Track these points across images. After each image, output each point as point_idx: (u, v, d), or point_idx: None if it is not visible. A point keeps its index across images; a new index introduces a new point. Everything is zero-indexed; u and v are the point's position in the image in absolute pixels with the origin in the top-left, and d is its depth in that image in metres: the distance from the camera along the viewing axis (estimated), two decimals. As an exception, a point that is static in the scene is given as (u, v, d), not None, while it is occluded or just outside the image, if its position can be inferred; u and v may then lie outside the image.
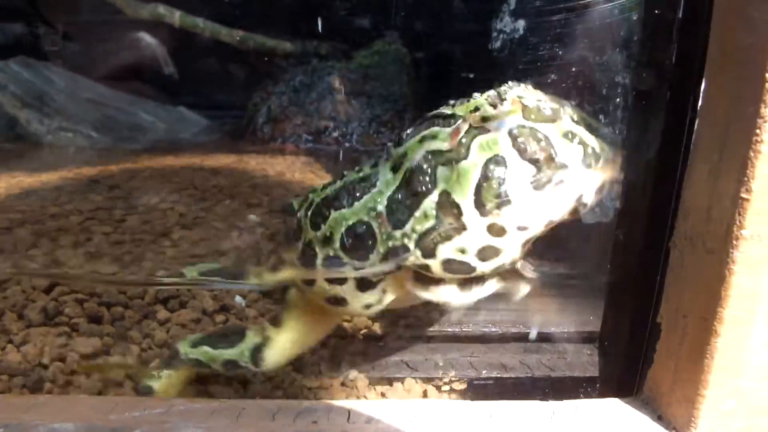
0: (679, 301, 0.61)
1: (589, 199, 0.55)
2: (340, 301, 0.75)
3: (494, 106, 0.55)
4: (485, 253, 0.56)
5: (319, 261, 0.68)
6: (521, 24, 0.72)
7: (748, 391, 0.58)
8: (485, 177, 0.52)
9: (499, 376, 0.77)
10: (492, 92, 0.57)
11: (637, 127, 0.64)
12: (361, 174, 0.64)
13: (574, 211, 0.56)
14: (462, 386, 0.97)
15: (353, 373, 1.00)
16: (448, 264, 0.58)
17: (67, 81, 2.27)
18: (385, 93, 1.94)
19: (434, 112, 0.60)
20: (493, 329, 0.85)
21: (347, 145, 1.92)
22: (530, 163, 0.52)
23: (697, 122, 0.59)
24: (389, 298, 0.69)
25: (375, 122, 1.92)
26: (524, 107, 0.54)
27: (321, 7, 2.20)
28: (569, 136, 0.53)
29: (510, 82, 0.58)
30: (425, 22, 2.08)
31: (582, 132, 0.53)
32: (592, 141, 0.53)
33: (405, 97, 1.95)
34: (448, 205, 0.54)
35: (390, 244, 0.59)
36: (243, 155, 1.83)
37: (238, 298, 1.06)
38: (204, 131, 2.22)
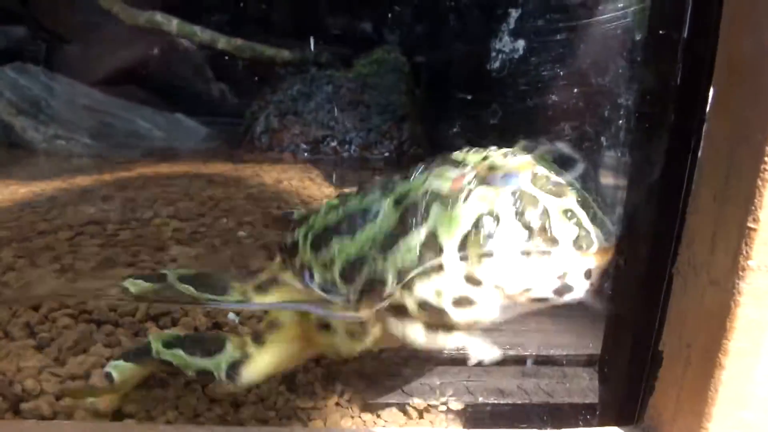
0: (682, 330, 0.59)
1: (574, 282, 0.54)
2: (327, 328, 0.75)
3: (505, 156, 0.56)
4: (460, 302, 0.56)
5: (316, 284, 0.68)
6: (520, 43, 0.71)
7: (753, 424, 0.56)
8: (476, 226, 0.53)
9: (496, 402, 0.75)
10: (508, 150, 0.58)
11: (640, 147, 0.63)
12: (363, 203, 0.64)
13: (559, 292, 0.55)
14: (459, 406, 0.95)
15: (349, 394, 0.98)
16: (423, 305, 0.58)
17: (64, 87, 2.25)
18: (384, 102, 1.93)
19: (446, 155, 0.61)
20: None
21: (345, 155, 1.91)
22: (523, 227, 0.53)
23: (702, 144, 0.57)
24: (377, 332, 0.68)
25: (373, 132, 1.91)
26: (534, 173, 0.54)
27: (320, 15, 2.20)
28: (568, 214, 0.53)
29: (524, 143, 0.59)
30: (425, 31, 2.07)
31: (581, 214, 0.53)
32: (589, 226, 0.53)
33: (404, 106, 1.94)
34: (432, 242, 0.55)
35: (375, 275, 0.59)
36: (239, 164, 1.81)
37: (231, 315, 1.04)
38: (202, 139, 2.20)
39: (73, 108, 2.24)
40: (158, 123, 2.29)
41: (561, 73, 0.65)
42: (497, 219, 0.53)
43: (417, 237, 0.56)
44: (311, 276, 0.68)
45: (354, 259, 0.61)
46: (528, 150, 0.57)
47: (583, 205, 0.54)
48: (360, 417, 0.96)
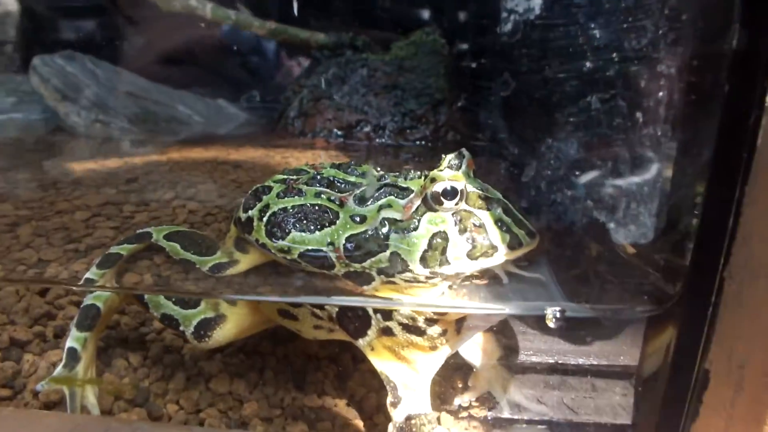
0: (733, 347, 0.49)
1: (509, 267, 0.73)
2: (291, 317, 0.82)
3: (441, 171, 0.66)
4: (430, 321, 0.71)
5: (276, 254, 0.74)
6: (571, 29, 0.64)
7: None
8: (430, 246, 0.65)
9: (510, 417, 0.66)
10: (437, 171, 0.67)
11: (687, 126, 0.52)
12: (319, 201, 0.73)
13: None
14: (482, 414, 0.88)
15: (361, 395, 0.92)
16: (404, 326, 0.73)
17: (108, 74, 2.29)
18: (420, 86, 1.84)
19: (390, 182, 0.71)
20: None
21: (379, 140, 1.84)
22: (467, 241, 0.64)
23: (763, 121, 0.46)
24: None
25: (408, 117, 1.83)
26: (466, 193, 0.65)
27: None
28: (499, 223, 0.65)
29: (449, 158, 0.68)
30: (467, 12, 1.97)
31: (509, 222, 0.65)
32: (516, 230, 0.65)
33: (441, 90, 1.85)
34: (398, 261, 0.67)
35: (350, 269, 0.70)
36: (270, 149, 1.78)
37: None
38: (241, 125, 2.20)
39: (115, 94, 2.27)
40: (198, 109, 2.30)
41: (609, 57, 0.56)
42: (446, 238, 0.65)
43: (384, 256, 0.67)
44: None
45: (312, 251, 0.71)
46: (454, 166, 0.66)
47: (508, 210, 0.66)
48: (372, 420, 0.89)
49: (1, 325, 0.87)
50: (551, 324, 0.60)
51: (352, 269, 0.70)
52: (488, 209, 0.65)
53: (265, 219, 0.74)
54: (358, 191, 0.73)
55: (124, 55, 2.26)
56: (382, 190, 0.70)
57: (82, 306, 0.82)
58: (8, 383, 0.80)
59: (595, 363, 0.71)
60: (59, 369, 0.77)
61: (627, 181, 0.60)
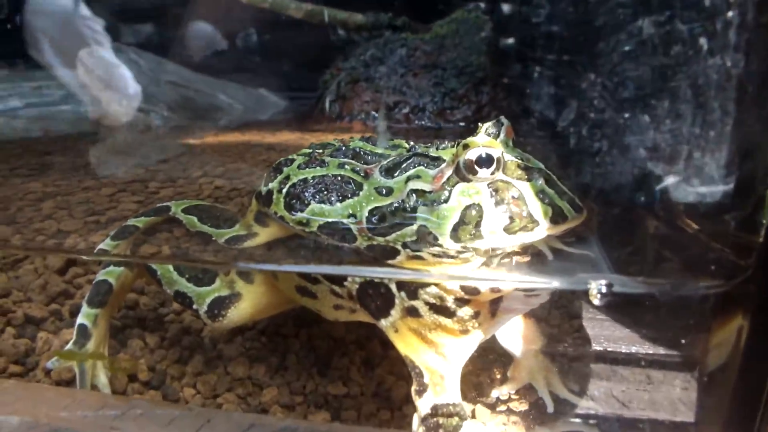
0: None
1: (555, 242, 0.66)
2: (310, 294, 0.76)
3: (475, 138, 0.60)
4: (460, 301, 0.64)
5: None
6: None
7: None
8: (462, 221, 0.59)
9: (553, 412, 0.58)
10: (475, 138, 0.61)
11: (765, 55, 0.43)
12: (342, 172, 0.68)
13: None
14: (523, 407, 0.79)
15: (390, 383, 0.85)
16: (431, 306, 0.65)
17: (150, 65, 2.32)
18: (461, 64, 1.76)
19: (420, 151, 0.66)
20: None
21: (418, 122, 1.77)
22: (504, 213, 0.58)
23: None
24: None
25: (449, 97, 1.75)
26: (505, 162, 0.59)
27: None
28: (540, 195, 0.58)
29: (486, 126, 0.62)
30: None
31: (551, 193, 0.59)
32: (560, 202, 0.59)
33: (483, 68, 1.76)
34: (426, 234, 0.61)
35: (373, 242, 0.64)
36: (306, 133, 1.75)
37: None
38: (282, 112, 2.20)
39: (157, 83, 2.30)
40: (239, 97, 2.31)
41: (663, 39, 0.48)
42: (481, 211, 0.58)
43: (411, 230, 0.61)
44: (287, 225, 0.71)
45: (332, 223, 0.66)
46: (491, 135, 0.61)
47: (551, 182, 0.59)
48: (401, 410, 0.83)
49: (17, 302, 0.85)
50: (596, 301, 0.51)
51: (375, 242, 0.64)
52: (528, 180, 0.59)
53: (284, 191, 0.69)
54: (385, 162, 0.68)
55: (169, 46, 2.29)
56: (411, 161, 0.65)
57: (93, 282, 0.79)
58: (20, 360, 0.77)
59: (651, 351, 0.61)
60: (69, 345, 0.74)
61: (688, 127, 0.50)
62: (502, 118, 0.64)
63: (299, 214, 0.67)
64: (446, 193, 0.60)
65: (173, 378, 0.82)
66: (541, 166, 0.61)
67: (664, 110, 0.55)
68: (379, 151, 0.75)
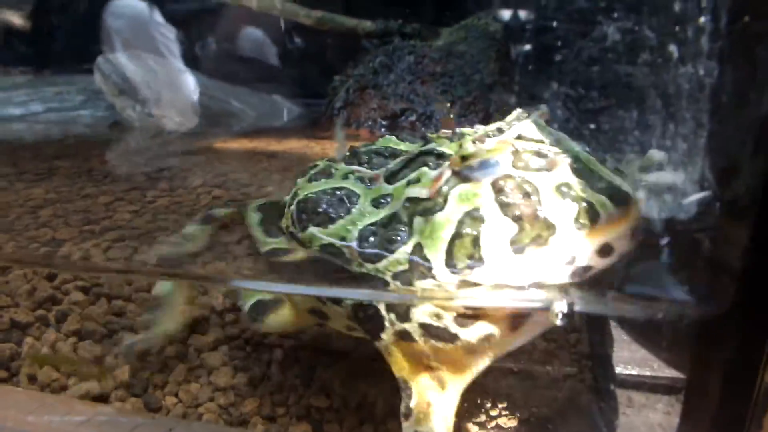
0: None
1: (587, 262, 0.46)
2: (322, 316, 0.71)
3: (475, 143, 0.48)
4: (463, 320, 0.51)
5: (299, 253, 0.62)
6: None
7: None
8: (459, 233, 0.47)
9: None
10: (490, 127, 0.51)
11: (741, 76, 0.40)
12: (343, 184, 0.60)
13: (577, 276, 0.47)
14: (511, 424, 0.77)
15: (374, 396, 0.83)
16: (426, 329, 0.53)
17: (167, 71, 2.35)
18: (469, 72, 1.74)
19: (428, 147, 0.54)
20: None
21: (425, 129, 1.76)
22: (512, 221, 0.45)
23: None
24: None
25: (456, 104, 1.73)
26: (515, 151, 0.47)
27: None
28: (563, 189, 0.45)
29: (518, 113, 0.52)
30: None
31: (579, 184, 0.45)
32: (591, 195, 0.45)
33: (492, 75, 1.74)
34: (419, 258, 0.50)
35: (363, 270, 0.55)
36: (312, 140, 1.75)
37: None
38: (295, 119, 2.21)
39: (172, 89, 2.33)
40: (252, 103, 2.33)
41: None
42: (481, 218, 0.46)
43: (404, 252, 0.51)
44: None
45: (328, 245, 0.58)
46: (521, 118, 0.50)
47: (582, 169, 0.45)
48: (385, 424, 0.81)
49: (4, 306, 0.86)
50: (557, 321, 0.47)
51: (365, 271, 0.55)
52: (548, 169, 0.46)
53: (293, 207, 0.63)
54: (392, 164, 0.58)
55: (186, 54, 2.32)
56: (418, 160, 0.54)
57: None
58: (5, 364, 0.78)
59: (633, 373, 0.59)
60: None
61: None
62: (542, 106, 0.54)
63: (302, 234, 0.61)
64: (441, 199, 0.48)
65: (156, 386, 0.82)
66: (576, 148, 0.48)
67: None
68: (402, 147, 0.65)
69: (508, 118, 0.51)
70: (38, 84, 2.39)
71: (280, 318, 0.74)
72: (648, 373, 0.59)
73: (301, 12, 1.95)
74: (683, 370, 0.56)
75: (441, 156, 0.52)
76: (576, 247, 0.44)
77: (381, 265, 0.52)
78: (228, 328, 0.91)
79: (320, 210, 0.59)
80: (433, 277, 0.49)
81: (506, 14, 1.87)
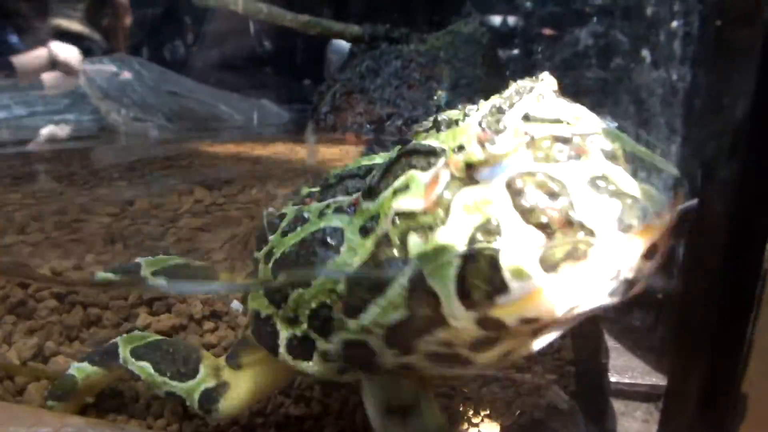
0: (776, 366, 0.36)
1: (634, 272, 0.35)
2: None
3: (483, 145, 0.36)
4: (480, 345, 0.40)
5: (282, 341, 0.52)
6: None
7: None
8: (471, 255, 0.35)
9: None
10: (486, 109, 0.38)
11: (714, 81, 0.40)
12: (321, 224, 0.46)
13: (618, 293, 0.36)
14: (494, 429, 0.77)
15: (354, 403, 0.82)
16: (433, 357, 0.42)
17: (153, 75, 2.34)
18: (455, 76, 1.74)
19: (412, 145, 0.42)
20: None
21: (410, 134, 1.76)
22: (538, 230, 0.34)
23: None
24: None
25: (442, 109, 1.73)
26: (532, 141, 0.35)
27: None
28: (598, 183, 0.34)
29: (525, 82, 0.39)
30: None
31: (619, 174, 0.34)
32: (635, 187, 0.34)
33: (478, 80, 1.74)
34: (422, 291, 0.37)
35: (345, 336, 0.44)
36: (297, 145, 1.75)
37: (234, 303, 0.92)
38: (284, 124, 2.20)
39: (158, 93, 2.32)
40: (240, 108, 2.32)
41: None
42: (498, 231, 0.35)
43: (399, 286, 0.39)
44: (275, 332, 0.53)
45: (317, 310, 0.46)
46: (522, 92, 0.38)
47: (616, 152, 0.35)
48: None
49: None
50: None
51: (345, 338, 0.44)
52: (578, 157, 0.35)
53: (270, 266, 0.51)
54: (370, 177, 0.45)
55: (174, 58, 2.32)
56: (401, 162, 0.41)
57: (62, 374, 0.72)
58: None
59: (613, 380, 0.58)
60: None
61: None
62: (546, 74, 0.41)
63: (283, 306, 0.50)
64: (442, 211, 0.37)
65: (123, 404, 0.80)
66: (608, 126, 0.37)
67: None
68: (378, 159, 0.52)
69: (506, 93, 0.39)
70: (22, 87, 2.37)
71: (233, 401, 0.64)
72: (627, 381, 0.59)
73: (287, 16, 1.95)
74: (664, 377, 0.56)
75: (431, 153, 0.39)
76: (622, 258, 0.34)
77: (367, 317, 0.40)
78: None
79: (298, 265, 0.46)
80: (442, 320, 0.38)
81: (494, 20, 1.89)
